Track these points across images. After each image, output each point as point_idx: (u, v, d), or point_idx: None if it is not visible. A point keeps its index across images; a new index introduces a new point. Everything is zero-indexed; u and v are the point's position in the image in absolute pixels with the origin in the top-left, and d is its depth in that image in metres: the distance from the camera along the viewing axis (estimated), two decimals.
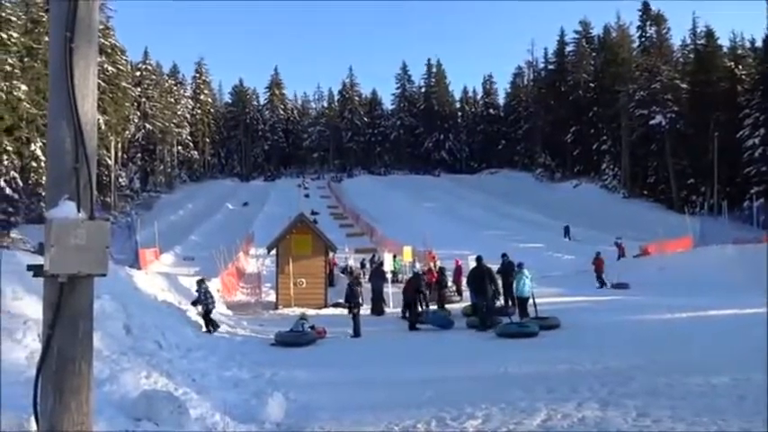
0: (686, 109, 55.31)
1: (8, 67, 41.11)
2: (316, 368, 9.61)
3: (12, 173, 40.65)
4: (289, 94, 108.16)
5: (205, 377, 8.03)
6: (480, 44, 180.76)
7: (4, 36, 41.44)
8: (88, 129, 3.13)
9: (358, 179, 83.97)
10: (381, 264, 20.28)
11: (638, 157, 60.32)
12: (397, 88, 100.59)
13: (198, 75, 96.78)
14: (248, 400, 6.71)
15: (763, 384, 5.97)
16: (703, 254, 22.58)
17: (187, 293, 15.81)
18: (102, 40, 55.38)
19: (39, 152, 40.75)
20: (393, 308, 18.22)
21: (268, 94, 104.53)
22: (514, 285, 14.66)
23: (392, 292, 19.25)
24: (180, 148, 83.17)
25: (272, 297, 21.01)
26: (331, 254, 22.88)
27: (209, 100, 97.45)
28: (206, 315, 13.33)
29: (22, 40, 44.29)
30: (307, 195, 68.37)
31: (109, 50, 58.60)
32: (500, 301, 15.33)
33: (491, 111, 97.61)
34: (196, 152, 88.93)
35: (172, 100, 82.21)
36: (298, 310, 18.15)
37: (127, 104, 64.13)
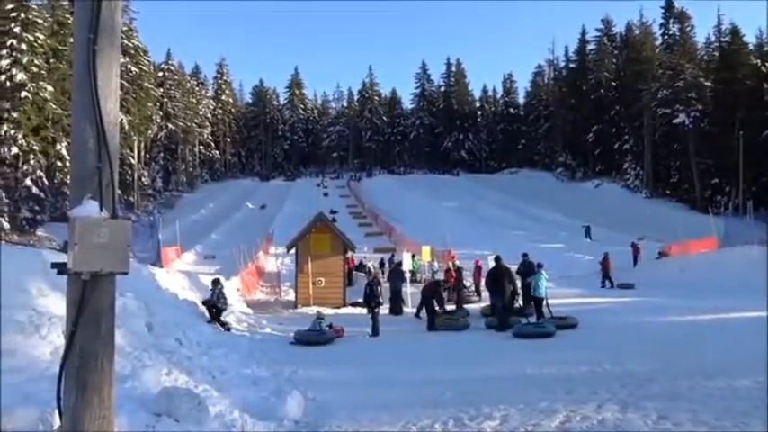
0: (710, 107, 54.33)
1: (35, 69, 41.91)
2: (334, 367, 9.65)
3: (38, 172, 41.47)
4: (309, 93, 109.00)
5: (225, 374, 8.11)
6: (500, 43, 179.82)
7: (31, 38, 42.24)
8: (110, 129, 3.19)
9: (377, 179, 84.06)
10: (400, 263, 20.28)
11: (660, 157, 59.48)
12: (417, 87, 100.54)
13: (219, 75, 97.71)
14: (267, 398, 6.76)
15: None
16: (728, 255, 22.20)
17: (208, 292, 15.94)
18: (126, 42, 56.24)
19: (64, 152, 41.44)
20: (411, 307, 18.22)
21: (288, 93, 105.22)
22: (532, 286, 14.56)
23: (411, 291, 19.23)
24: (201, 147, 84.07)
25: (291, 296, 21.13)
26: (350, 253, 22.94)
27: (230, 100, 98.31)
28: (217, 315, 13.17)
29: (48, 42, 45.14)
30: (326, 194, 68.77)
31: (132, 51, 59.42)
32: (518, 302, 15.23)
33: (511, 110, 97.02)
34: (217, 152, 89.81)
35: (193, 100, 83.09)
36: (317, 309, 18.24)
37: (150, 105, 64.97)
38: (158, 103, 70.78)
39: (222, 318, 13.30)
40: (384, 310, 16.68)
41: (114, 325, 3.30)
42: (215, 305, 13.18)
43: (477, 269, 21.44)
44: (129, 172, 56.68)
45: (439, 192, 66.47)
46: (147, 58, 66.39)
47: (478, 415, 6.02)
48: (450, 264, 22.10)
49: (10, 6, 42.02)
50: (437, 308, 15.20)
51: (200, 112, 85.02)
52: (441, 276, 21.57)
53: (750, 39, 60.07)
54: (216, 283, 14.10)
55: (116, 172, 3.26)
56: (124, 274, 3.26)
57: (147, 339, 8.57)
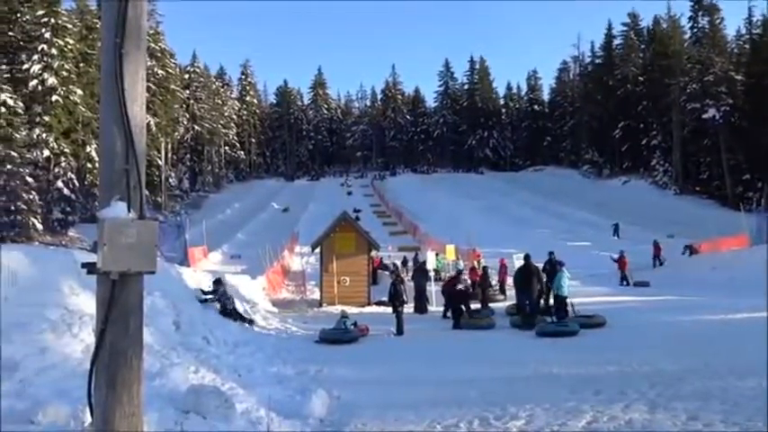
0: (741, 102, 53.04)
1: (65, 73, 42.84)
2: (359, 366, 9.67)
3: (69, 174, 42.41)
4: (332, 93, 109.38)
5: (251, 373, 8.19)
6: (524, 39, 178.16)
7: (61, 43, 43.18)
8: (137, 132, 3.24)
9: (401, 177, 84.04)
10: (424, 262, 20.25)
11: (689, 153, 58.27)
12: (440, 86, 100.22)
13: (244, 76, 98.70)
14: (292, 396, 6.81)
15: None
16: (760, 252, 21.65)
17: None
18: (152, 45, 57.14)
19: (93, 154, 42.30)
20: (436, 306, 18.18)
21: (312, 94, 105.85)
22: (554, 284, 14.39)
23: (435, 290, 19.19)
24: (227, 148, 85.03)
25: (316, 295, 21.26)
26: (374, 252, 22.98)
27: (255, 101, 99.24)
28: (235, 314, 13.04)
29: (78, 46, 46.08)
30: (349, 193, 69.07)
31: (159, 54, 60.35)
32: (547, 301, 15.11)
33: (536, 107, 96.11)
34: (242, 152, 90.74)
35: (219, 101, 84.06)
36: (341, 308, 18.32)
37: (176, 106, 65.92)
38: (185, 105, 71.78)
39: (239, 312, 13.19)
40: (408, 308, 16.70)
41: (143, 323, 3.36)
42: (225, 305, 12.94)
43: (502, 268, 21.30)
44: (157, 173, 57.57)
45: (463, 190, 66.16)
46: (173, 60, 67.35)
47: (504, 414, 5.98)
48: (476, 262, 22.02)
49: (41, 12, 43.04)
50: (463, 308, 15.12)
51: (226, 114, 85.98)
52: (465, 276, 21.47)
53: None
54: (218, 282, 13.62)
55: (143, 173, 3.32)
56: (152, 273, 3.32)
57: (175, 338, 8.71)
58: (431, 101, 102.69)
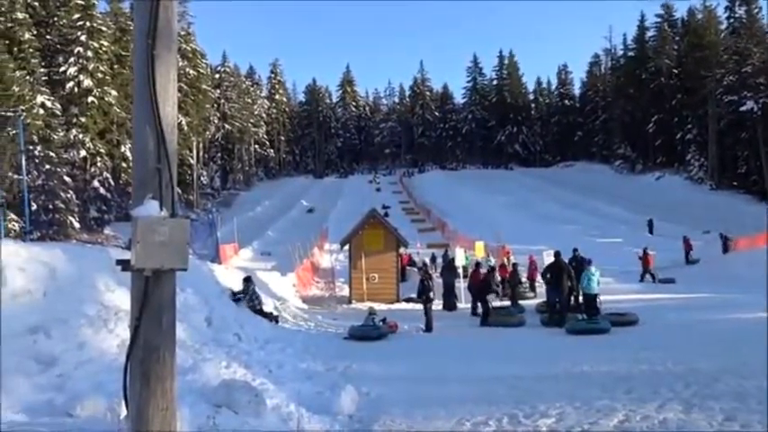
0: None
1: (100, 75, 43.89)
2: (388, 362, 9.69)
3: (104, 173, 43.47)
4: (360, 91, 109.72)
5: (281, 368, 8.28)
6: (554, 33, 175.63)
7: (96, 45, 44.22)
8: (169, 131, 3.31)
9: (429, 174, 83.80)
10: (453, 259, 20.17)
11: (726, 146, 56.73)
12: (469, 81, 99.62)
13: (273, 75, 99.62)
14: (322, 392, 6.86)
15: None
16: None
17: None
18: (184, 45, 58.08)
19: (128, 153, 43.23)
20: (465, 303, 18.11)
21: (340, 91, 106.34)
22: (581, 282, 14.18)
23: (464, 287, 19.11)
24: (257, 146, 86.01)
25: (345, 291, 21.37)
26: (402, 249, 22.98)
27: (284, 99, 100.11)
28: (260, 312, 13.03)
29: (112, 48, 47.13)
30: (378, 189, 69.26)
31: (190, 55, 61.33)
32: (573, 299, 14.93)
33: (566, 102, 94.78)
34: (272, 150, 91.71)
35: (249, 100, 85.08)
36: (370, 305, 18.37)
37: (207, 106, 66.92)
38: (215, 105, 72.83)
39: (265, 312, 13.24)
40: (437, 305, 16.67)
41: (175, 319, 3.43)
42: (254, 305, 13.01)
43: (532, 265, 21.10)
44: (189, 172, 58.55)
45: (492, 186, 65.66)
46: (204, 60, 68.36)
47: (534, 412, 5.93)
48: (505, 259, 21.86)
49: (77, 16, 44.13)
50: (490, 298, 15.03)
51: (256, 112, 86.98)
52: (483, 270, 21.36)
53: None
54: (248, 280, 13.70)
55: (175, 172, 3.38)
56: (183, 270, 3.38)
57: (207, 333, 8.86)
58: (459, 97, 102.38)
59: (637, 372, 7.64)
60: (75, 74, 42.60)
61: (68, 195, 35.57)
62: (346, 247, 21.82)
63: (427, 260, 25.54)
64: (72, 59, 42.86)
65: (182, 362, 5.72)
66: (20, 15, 39.69)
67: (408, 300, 19.07)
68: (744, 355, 8.13)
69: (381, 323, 12.82)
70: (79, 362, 5.41)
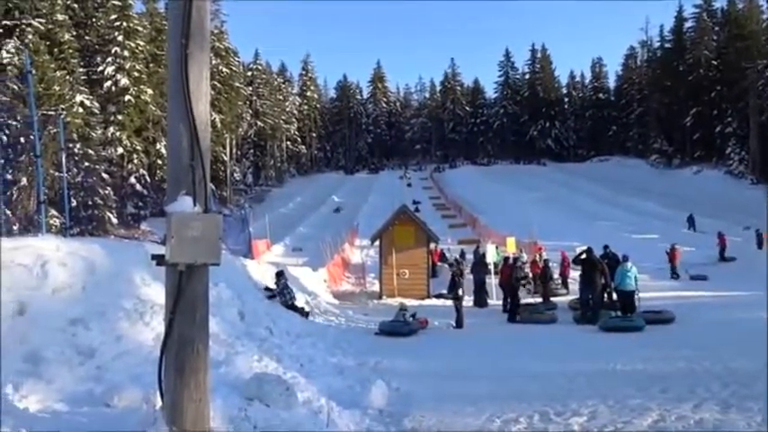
0: None
1: (136, 74, 44.84)
2: (418, 358, 9.70)
3: (141, 170, 44.44)
4: (391, 86, 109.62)
5: (312, 363, 8.36)
6: (588, 26, 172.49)
7: (133, 45, 45.17)
8: (202, 129, 3.38)
9: (460, 170, 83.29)
10: (484, 255, 20.05)
11: None
12: (500, 76, 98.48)
13: (304, 72, 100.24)
14: (352, 387, 6.91)
15: None
16: None
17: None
18: (217, 44, 58.88)
19: (163, 150, 44.04)
20: (496, 300, 18.00)
21: (371, 87, 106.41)
22: (615, 279, 13.92)
23: (495, 283, 18.99)
24: (288, 143, 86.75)
25: (376, 287, 21.43)
26: (432, 245, 22.92)
27: (315, 96, 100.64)
28: (292, 306, 13.15)
29: (148, 47, 48.08)
30: (409, 185, 69.20)
31: (223, 53, 62.12)
32: (606, 296, 14.69)
33: (600, 95, 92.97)
34: (303, 147, 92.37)
35: (280, 97, 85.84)
36: (400, 301, 18.39)
37: (240, 103, 67.74)
38: (248, 102, 73.69)
39: (297, 307, 13.35)
40: (468, 302, 16.60)
41: (208, 313, 3.51)
42: (286, 300, 13.13)
43: (564, 261, 20.82)
44: (222, 168, 59.38)
45: (524, 182, 64.93)
46: (236, 58, 69.18)
47: (565, 410, 5.87)
48: (537, 255, 21.62)
49: (114, 16, 45.15)
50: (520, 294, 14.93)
51: (287, 109, 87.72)
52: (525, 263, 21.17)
53: None
54: (280, 275, 13.86)
55: (208, 169, 3.45)
56: (216, 265, 3.45)
57: (240, 327, 9.00)
58: (491, 92, 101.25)
59: (672, 370, 7.49)
60: (113, 73, 43.61)
61: (106, 192, 36.46)
62: (377, 243, 21.87)
63: (457, 256, 25.39)
64: (109, 59, 43.87)
65: (215, 355, 5.83)
66: (60, 17, 40.78)
67: (439, 296, 19.03)
68: None
69: (412, 319, 12.83)
70: (117, 354, 5.57)
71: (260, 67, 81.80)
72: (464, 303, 14.65)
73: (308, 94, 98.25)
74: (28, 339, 4.96)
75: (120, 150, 42.85)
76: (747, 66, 56.89)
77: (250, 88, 75.10)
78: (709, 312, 13.07)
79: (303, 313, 13.16)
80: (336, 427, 5.18)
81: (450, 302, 14.99)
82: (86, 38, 45.93)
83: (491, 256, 19.82)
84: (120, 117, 43.18)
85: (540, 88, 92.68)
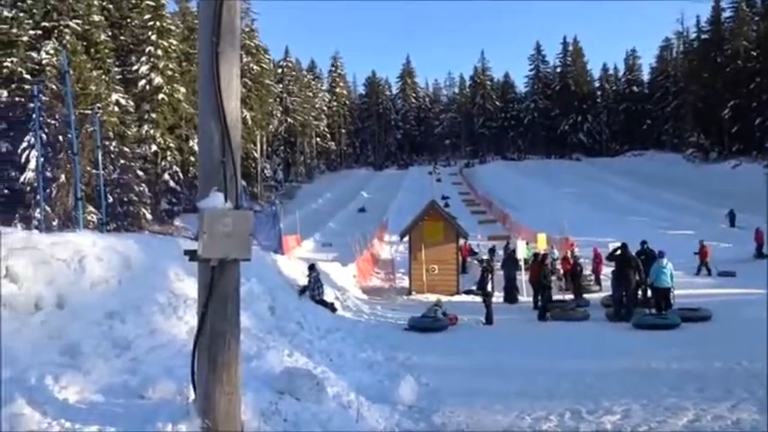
0: None
1: (169, 72, 45.64)
2: (447, 354, 9.69)
3: (174, 167, 45.26)
4: (420, 82, 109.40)
5: (341, 357, 8.42)
6: (621, 18, 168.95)
7: (166, 44, 45.97)
8: (233, 126, 3.43)
9: (490, 165, 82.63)
10: (514, 251, 19.86)
11: None
12: (531, 70, 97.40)
13: (334, 69, 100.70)
14: (382, 382, 6.94)
15: None
16: None
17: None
18: (247, 42, 59.51)
19: (196, 148, 44.66)
20: (527, 296, 17.83)
21: (400, 83, 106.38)
22: (650, 275, 13.62)
23: (525, 280, 18.81)
24: (318, 139, 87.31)
25: (405, 283, 21.43)
26: (462, 240, 22.80)
27: (345, 92, 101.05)
28: (320, 301, 13.23)
29: (180, 46, 48.88)
30: (438, 180, 68.95)
31: (253, 51, 62.77)
32: (641, 293, 14.41)
33: (634, 88, 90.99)
34: (333, 143, 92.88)
35: (310, 94, 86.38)
36: (430, 297, 18.35)
37: (270, 100, 68.40)
38: (278, 99, 74.34)
39: (323, 299, 13.40)
40: (498, 298, 16.49)
41: (240, 307, 3.56)
42: (314, 294, 13.18)
43: (597, 257, 20.49)
44: (253, 165, 60.05)
45: (556, 177, 64.05)
46: (267, 56, 69.82)
47: (597, 408, 5.79)
48: (569, 252, 21.33)
49: (147, 16, 46.01)
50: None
51: (317, 106, 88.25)
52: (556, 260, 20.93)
53: None
54: (312, 268, 13.94)
55: (239, 165, 3.50)
56: (247, 260, 3.50)
57: (270, 322, 9.10)
58: (521, 86, 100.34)
59: (708, 369, 7.32)
60: (147, 72, 44.47)
61: (141, 188, 37.24)
62: (406, 239, 21.86)
63: (486, 252, 25.23)
64: (143, 58, 44.75)
65: (246, 349, 5.91)
66: (96, 18, 41.73)
67: (468, 292, 18.93)
68: None
69: (442, 315, 12.81)
70: (151, 347, 5.68)
71: (290, 65, 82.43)
72: (494, 300, 14.54)
73: (338, 90, 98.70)
74: (67, 332, 5.10)
75: (154, 148, 43.69)
76: None
77: (280, 85, 75.74)
78: (746, 310, 12.69)
79: (332, 308, 13.25)
80: (366, 421, 5.21)
81: (479, 299, 14.90)
82: (121, 38, 46.89)
83: (521, 252, 19.62)
84: (153, 115, 44.01)
85: (571, 82, 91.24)
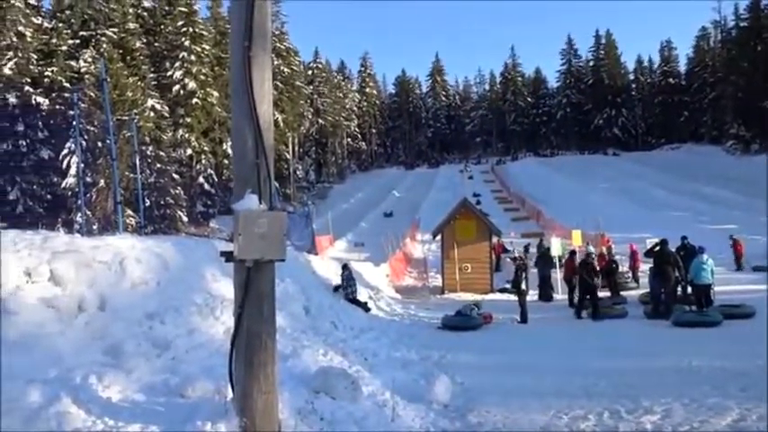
0: None
1: (203, 77, 46.44)
2: (482, 352, 9.63)
3: (208, 170, 46.04)
4: (450, 80, 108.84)
5: (376, 357, 8.44)
6: (655, 8, 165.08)
7: (199, 49, 46.79)
8: (265, 128, 3.48)
9: (522, 162, 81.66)
10: (548, 248, 19.61)
11: None
12: (563, 64, 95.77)
13: (363, 69, 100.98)
14: (416, 381, 6.93)
15: None
16: None
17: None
18: (278, 44, 60.10)
19: (229, 151, 45.38)
20: (561, 294, 17.58)
21: (430, 81, 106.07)
22: (690, 271, 13.27)
23: (560, 277, 18.55)
24: (349, 139, 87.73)
25: (438, 282, 21.36)
26: (495, 238, 22.61)
27: (375, 92, 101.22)
28: (353, 299, 13.34)
29: (213, 51, 49.68)
30: (470, 177, 68.58)
31: (284, 53, 63.39)
32: (680, 289, 14.07)
33: (670, 80, 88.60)
34: (363, 143, 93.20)
35: (340, 95, 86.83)
36: (464, 295, 18.26)
37: (301, 102, 68.99)
38: (309, 100, 74.93)
39: (357, 297, 13.47)
40: (533, 296, 16.30)
41: (275, 307, 3.61)
42: (347, 293, 13.29)
43: (633, 254, 20.07)
44: (286, 166, 60.65)
45: (590, 172, 62.96)
46: (297, 58, 70.44)
47: (637, 408, 5.68)
48: (604, 248, 20.95)
49: (180, 23, 46.91)
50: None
51: (347, 106, 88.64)
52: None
53: None
54: (345, 268, 14.10)
55: (272, 167, 3.55)
56: (282, 261, 3.55)
57: (305, 322, 9.19)
58: (553, 81, 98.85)
59: (752, 368, 7.10)
60: (181, 77, 45.33)
61: (177, 192, 37.96)
62: (438, 237, 21.79)
63: (521, 249, 24.97)
64: (177, 64, 45.62)
65: (282, 348, 5.98)
66: (131, 26, 42.78)
67: (502, 290, 18.78)
68: None
69: (476, 314, 12.74)
70: (190, 347, 5.80)
71: (320, 66, 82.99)
72: (528, 298, 14.39)
73: (368, 90, 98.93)
74: (109, 333, 5.24)
75: (189, 151, 44.50)
76: None
77: (311, 87, 76.34)
78: None
79: (365, 308, 13.30)
80: (401, 420, 5.22)
81: (513, 297, 14.76)
82: (156, 44, 47.90)
83: (556, 249, 19.35)
84: (188, 119, 44.84)
85: (604, 75, 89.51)
